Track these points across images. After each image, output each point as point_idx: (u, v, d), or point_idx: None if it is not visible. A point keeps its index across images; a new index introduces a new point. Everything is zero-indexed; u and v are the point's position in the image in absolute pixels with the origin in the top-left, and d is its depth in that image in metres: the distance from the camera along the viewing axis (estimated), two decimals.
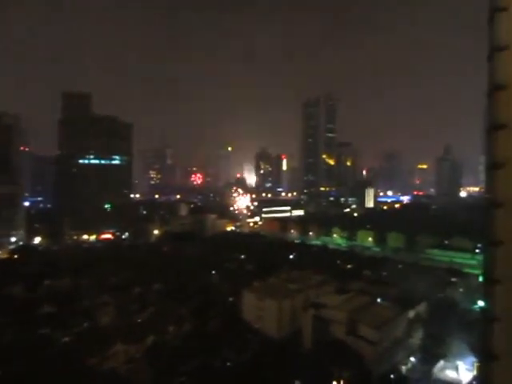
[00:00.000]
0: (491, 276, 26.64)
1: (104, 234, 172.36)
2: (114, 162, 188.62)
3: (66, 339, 55.44)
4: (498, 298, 26.12)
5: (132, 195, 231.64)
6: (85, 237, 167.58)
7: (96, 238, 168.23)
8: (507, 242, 25.50)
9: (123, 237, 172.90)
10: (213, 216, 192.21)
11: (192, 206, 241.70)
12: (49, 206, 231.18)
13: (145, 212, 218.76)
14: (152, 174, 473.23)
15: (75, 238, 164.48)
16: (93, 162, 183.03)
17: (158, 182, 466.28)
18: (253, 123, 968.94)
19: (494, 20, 26.98)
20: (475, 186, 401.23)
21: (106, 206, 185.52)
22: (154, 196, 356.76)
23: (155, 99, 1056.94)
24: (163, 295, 73.86)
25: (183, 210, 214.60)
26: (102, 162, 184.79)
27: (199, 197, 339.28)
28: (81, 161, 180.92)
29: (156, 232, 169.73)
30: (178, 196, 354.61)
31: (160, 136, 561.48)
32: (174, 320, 61.44)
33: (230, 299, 72.97)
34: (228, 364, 50.95)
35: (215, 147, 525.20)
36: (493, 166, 26.67)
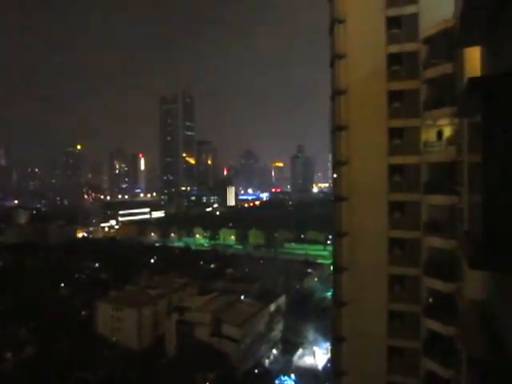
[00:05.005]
0: (339, 264, 28.95)
1: None
2: None
3: None
4: (345, 284, 28.53)
5: None
6: None
7: None
8: (351, 232, 28.00)
9: None
10: (59, 222, 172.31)
11: (34, 212, 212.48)
12: None
13: None
14: None
15: None
16: None
17: None
18: (107, 120, 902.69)
19: (333, 30, 29.21)
20: (325, 182, 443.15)
21: None
22: None
23: None
24: None
25: (22, 218, 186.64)
26: None
27: (43, 201, 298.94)
28: None
29: None
30: (16, 201, 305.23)
31: None
32: (12, 345, 53.99)
33: (83, 313, 67.10)
34: None
35: (62, 146, 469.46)
36: (337, 164, 28.95)
